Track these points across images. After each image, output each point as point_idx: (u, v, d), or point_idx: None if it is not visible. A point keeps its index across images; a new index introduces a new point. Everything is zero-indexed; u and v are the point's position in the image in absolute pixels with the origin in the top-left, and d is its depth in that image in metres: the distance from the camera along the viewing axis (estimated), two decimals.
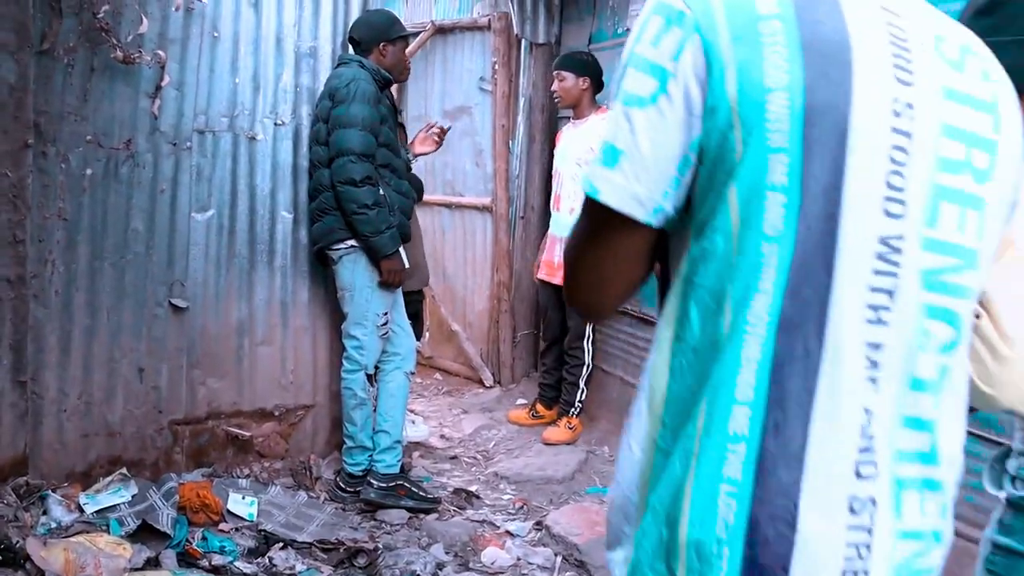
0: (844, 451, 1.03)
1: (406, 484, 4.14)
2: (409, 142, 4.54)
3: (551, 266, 5.15)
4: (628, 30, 5.01)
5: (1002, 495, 1.66)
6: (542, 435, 5.14)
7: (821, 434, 1.02)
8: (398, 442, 4.21)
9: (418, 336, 4.82)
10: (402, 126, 4.54)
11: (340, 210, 3.96)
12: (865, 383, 1.05)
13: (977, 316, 1.20)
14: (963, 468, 1.19)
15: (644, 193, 1.07)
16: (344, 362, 4.19)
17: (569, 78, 4.98)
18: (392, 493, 4.08)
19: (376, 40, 4.10)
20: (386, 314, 4.14)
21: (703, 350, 1.07)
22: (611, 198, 1.08)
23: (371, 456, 4.15)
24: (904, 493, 1.09)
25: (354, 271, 4.06)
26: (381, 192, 3.96)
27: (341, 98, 3.90)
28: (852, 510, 1.03)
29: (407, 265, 4.16)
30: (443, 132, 4.56)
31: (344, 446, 4.21)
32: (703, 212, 1.07)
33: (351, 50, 4.18)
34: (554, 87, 5.09)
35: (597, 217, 1.12)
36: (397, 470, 4.17)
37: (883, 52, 1.05)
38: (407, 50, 4.44)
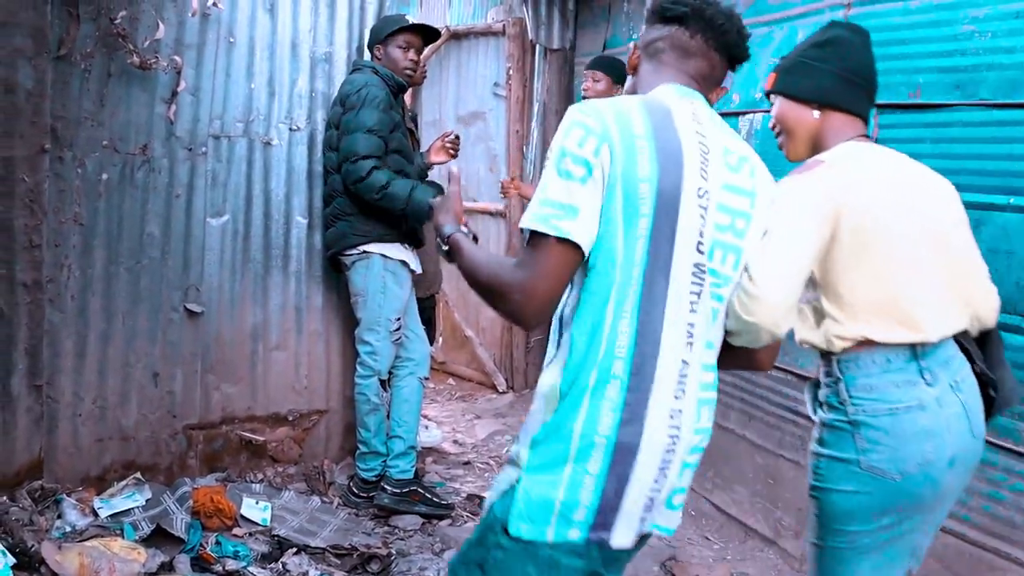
0: (670, 385, 1.77)
1: (420, 490, 4.13)
2: (425, 150, 4.52)
3: None
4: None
5: (816, 418, 2.18)
6: None
7: (660, 375, 1.75)
8: (412, 448, 4.20)
9: (431, 341, 4.81)
10: (412, 132, 4.51)
11: (362, 210, 3.95)
12: (685, 345, 1.79)
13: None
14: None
15: (591, 235, 1.72)
16: (358, 367, 4.16)
17: (605, 82, 4.69)
18: (406, 499, 4.08)
19: (372, 44, 4.14)
20: (399, 319, 4.11)
21: (597, 323, 1.75)
22: (581, 239, 1.70)
23: (384, 462, 4.14)
24: (701, 408, 1.84)
25: (366, 276, 4.04)
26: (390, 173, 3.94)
27: (351, 104, 3.89)
28: (671, 417, 1.77)
29: (419, 270, 4.16)
30: (457, 141, 4.53)
31: (358, 451, 4.20)
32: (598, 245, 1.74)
33: (367, 56, 4.19)
34: (586, 86, 4.74)
35: (560, 251, 1.70)
36: (411, 475, 4.16)
37: (695, 160, 1.77)
38: (423, 53, 4.38)
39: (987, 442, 2.90)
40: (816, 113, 2.19)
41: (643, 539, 1.88)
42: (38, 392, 3.62)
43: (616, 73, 4.73)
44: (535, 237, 1.71)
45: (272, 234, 4.17)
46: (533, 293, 1.72)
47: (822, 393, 2.15)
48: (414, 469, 4.23)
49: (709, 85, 1.95)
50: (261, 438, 4.24)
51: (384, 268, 4.04)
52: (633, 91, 1.98)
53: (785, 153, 2.29)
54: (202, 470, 4.10)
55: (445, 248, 2.02)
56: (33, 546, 3.16)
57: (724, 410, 4.23)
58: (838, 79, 2.19)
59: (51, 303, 3.63)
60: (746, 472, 4.06)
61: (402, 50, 4.09)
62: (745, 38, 1.96)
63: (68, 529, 3.41)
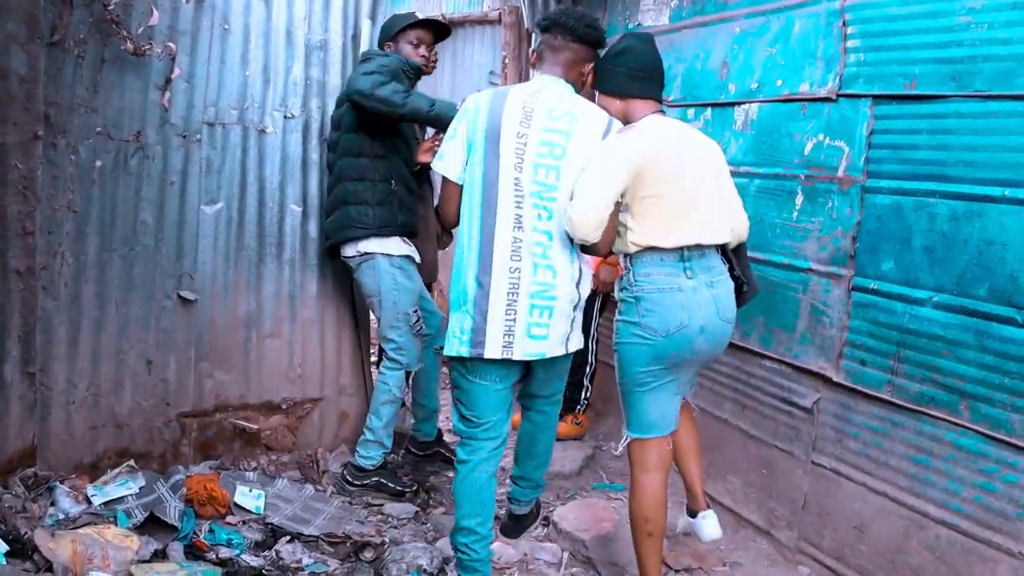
0: (506, 252, 2.96)
1: (442, 450, 4.44)
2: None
3: None
4: (640, 24, 5.00)
5: (617, 296, 3.17)
6: None
7: (497, 246, 2.97)
8: (435, 411, 4.47)
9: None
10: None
11: (366, 198, 3.98)
12: (515, 228, 2.97)
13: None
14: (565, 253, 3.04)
15: (456, 172, 3.11)
16: (384, 360, 4.22)
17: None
18: (430, 459, 4.43)
19: (382, 42, 4.16)
20: (416, 310, 4.15)
21: (465, 219, 3.07)
22: (449, 174, 3.12)
23: (385, 454, 4.19)
24: (536, 268, 2.96)
25: (376, 277, 4.05)
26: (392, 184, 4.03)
27: (361, 67, 3.92)
28: (510, 272, 2.96)
29: (419, 259, 4.16)
30: None
31: (361, 438, 4.19)
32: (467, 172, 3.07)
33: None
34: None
35: (446, 183, 3.13)
36: (434, 437, 4.52)
37: (515, 116, 3.00)
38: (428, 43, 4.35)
39: (979, 433, 2.93)
40: (618, 102, 3.21)
41: (532, 363, 3.18)
42: (31, 379, 3.61)
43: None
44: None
45: (266, 222, 4.16)
46: (440, 203, 3.25)
47: (622, 280, 3.14)
48: (437, 430, 4.55)
49: (578, 65, 3.16)
50: (255, 426, 4.24)
51: (390, 265, 4.05)
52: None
53: None
54: (195, 458, 4.10)
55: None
56: (26, 533, 3.15)
57: (717, 400, 4.24)
58: (629, 77, 3.18)
59: (44, 290, 3.62)
60: (739, 462, 4.07)
61: (413, 46, 4.11)
62: (592, 29, 3.14)
63: (61, 516, 3.41)
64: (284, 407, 4.32)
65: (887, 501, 3.31)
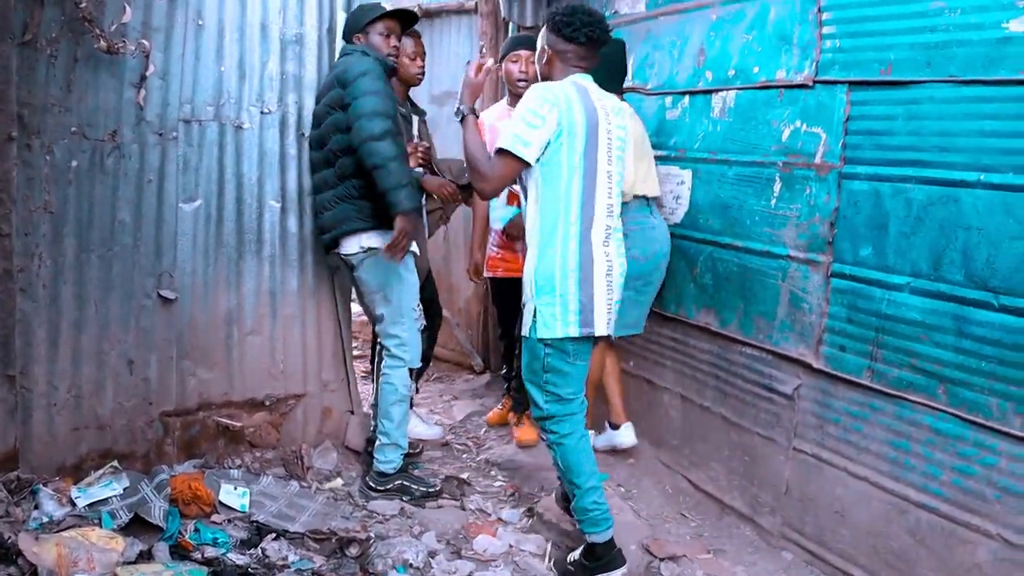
0: (600, 237, 3.33)
1: (405, 482, 4.18)
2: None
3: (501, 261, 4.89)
4: (617, 12, 4.99)
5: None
6: (515, 438, 4.95)
7: (595, 232, 3.32)
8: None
9: (439, 316, 5.08)
10: (405, 119, 4.50)
11: (371, 193, 3.87)
12: (607, 215, 3.36)
13: None
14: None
15: (536, 157, 3.26)
16: (386, 358, 4.14)
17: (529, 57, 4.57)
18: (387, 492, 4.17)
19: (350, 34, 4.10)
20: (419, 304, 4.16)
21: (557, 206, 3.28)
22: (530, 159, 3.24)
23: (403, 455, 4.18)
24: (619, 247, 3.44)
25: (379, 272, 4.01)
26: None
27: (351, 78, 3.83)
28: (606, 256, 3.34)
29: (419, 252, 4.16)
30: (428, 151, 4.52)
31: (376, 443, 4.17)
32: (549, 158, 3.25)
33: (340, 43, 4.21)
34: (523, 68, 4.56)
35: (512, 162, 3.26)
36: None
37: (602, 112, 3.33)
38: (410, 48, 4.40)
39: (958, 417, 2.95)
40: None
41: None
42: (11, 382, 3.59)
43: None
44: (500, 151, 3.26)
45: (245, 218, 4.14)
46: (491, 178, 3.31)
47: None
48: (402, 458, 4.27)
49: (591, 63, 3.42)
50: (238, 424, 4.22)
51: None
52: (547, 77, 3.46)
53: None
54: (179, 457, 4.09)
55: (458, 119, 3.48)
56: (10, 537, 3.14)
57: (699, 387, 4.25)
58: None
59: (22, 292, 3.59)
60: (722, 449, 4.09)
61: (383, 37, 4.07)
62: (597, 32, 3.34)
63: (45, 520, 3.39)
64: (267, 404, 4.31)
65: (868, 486, 3.34)
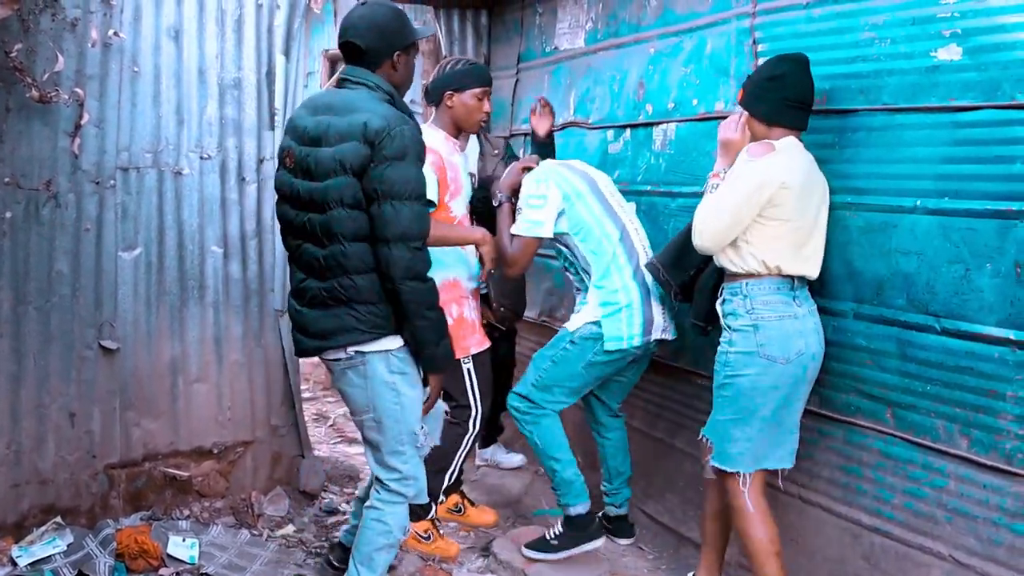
0: (641, 260, 3.74)
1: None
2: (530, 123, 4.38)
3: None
4: (556, 48, 5.02)
5: (725, 324, 3.18)
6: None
7: (643, 272, 3.71)
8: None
9: (510, 382, 4.64)
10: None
11: (397, 309, 2.91)
12: (640, 252, 3.75)
13: None
14: None
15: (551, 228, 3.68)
16: (380, 491, 3.11)
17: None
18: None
19: (391, 50, 2.98)
20: (423, 426, 3.13)
21: (603, 255, 3.68)
22: (546, 234, 3.67)
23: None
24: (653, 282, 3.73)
25: (371, 387, 2.99)
26: None
27: (391, 151, 2.77)
28: (646, 275, 3.70)
29: None
30: (548, 103, 4.39)
31: None
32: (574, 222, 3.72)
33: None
34: (487, 108, 3.90)
35: (533, 242, 3.67)
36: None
37: (587, 170, 3.89)
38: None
39: (906, 440, 2.97)
40: (764, 127, 3.11)
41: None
42: None
43: None
44: (517, 236, 3.65)
45: (187, 265, 4.08)
46: (518, 261, 3.69)
47: (728, 306, 3.15)
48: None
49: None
50: (186, 473, 4.14)
51: (389, 371, 2.98)
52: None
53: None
54: (126, 510, 4.00)
55: (496, 205, 3.75)
56: None
57: (652, 420, 4.25)
58: (784, 105, 3.08)
59: None
60: (677, 481, 4.08)
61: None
62: None
63: None
64: (215, 452, 4.23)
65: (821, 512, 3.34)
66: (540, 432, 3.72)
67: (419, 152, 2.86)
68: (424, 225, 2.87)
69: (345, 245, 2.84)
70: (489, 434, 5.02)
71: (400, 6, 3.21)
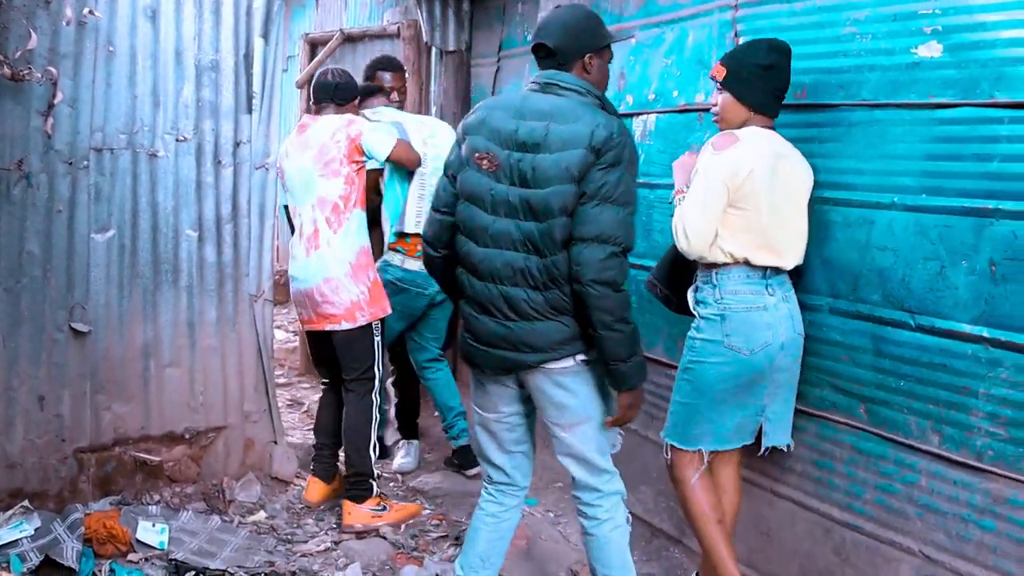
0: None
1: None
2: None
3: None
4: None
5: (695, 311, 3.17)
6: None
7: None
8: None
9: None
10: None
11: (581, 316, 2.78)
12: None
13: None
14: None
15: None
16: (598, 503, 3.05)
17: None
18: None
19: (582, 51, 2.89)
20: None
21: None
22: None
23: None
24: None
25: (591, 394, 2.93)
26: None
27: (613, 159, 2.73)
28: None
29: None
30: None
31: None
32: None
33: (536, 62, 3.01)
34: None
35: None
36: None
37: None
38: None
39: (879, 435, 2.98)
40: (745, 113, 3.11)
41: None
42: None
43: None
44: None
45: (160, 248, 4.04)
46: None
47: (699, 294, 3.17)
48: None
49: None
50: (156, 458, 4.11)
51: (595, 373, 2.92)
52: None
53: (718, 126, 3.21)
54: (95, 494, 3.96)
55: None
56: None
57: None
58: (772, 96, 3.11)
59: None
60: (650, 472, 4.08)
61: (608, 66, 3.04)
62: None
63: None
64: (187, 437, 4.20)
65: (793, 505, 3.35)
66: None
67: (634, 159, 2.82)
68: (628, 233, 2.75)
69: (559, 255, 2.75)
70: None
71: None
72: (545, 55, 2.91)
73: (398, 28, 5.87)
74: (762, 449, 3.25)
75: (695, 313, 3.18)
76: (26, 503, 3.71)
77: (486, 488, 3.17)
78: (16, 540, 3.47)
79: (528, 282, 2.79)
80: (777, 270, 3.09)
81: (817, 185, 3.18)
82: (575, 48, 2.88)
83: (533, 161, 2.76)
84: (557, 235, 2.73)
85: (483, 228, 2.84)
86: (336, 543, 3.92)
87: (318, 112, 4.18)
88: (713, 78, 3.17)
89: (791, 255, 3.11)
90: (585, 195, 2.71)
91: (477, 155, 2.86)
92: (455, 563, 3.21)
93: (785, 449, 3.29)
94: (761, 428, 3.21)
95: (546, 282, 2.77)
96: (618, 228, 2.72)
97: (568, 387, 2.88)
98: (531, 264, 2.78)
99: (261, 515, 4.16)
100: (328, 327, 4.06)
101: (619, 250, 2.72)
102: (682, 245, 3.03)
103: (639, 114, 4.15)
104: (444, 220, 2.95)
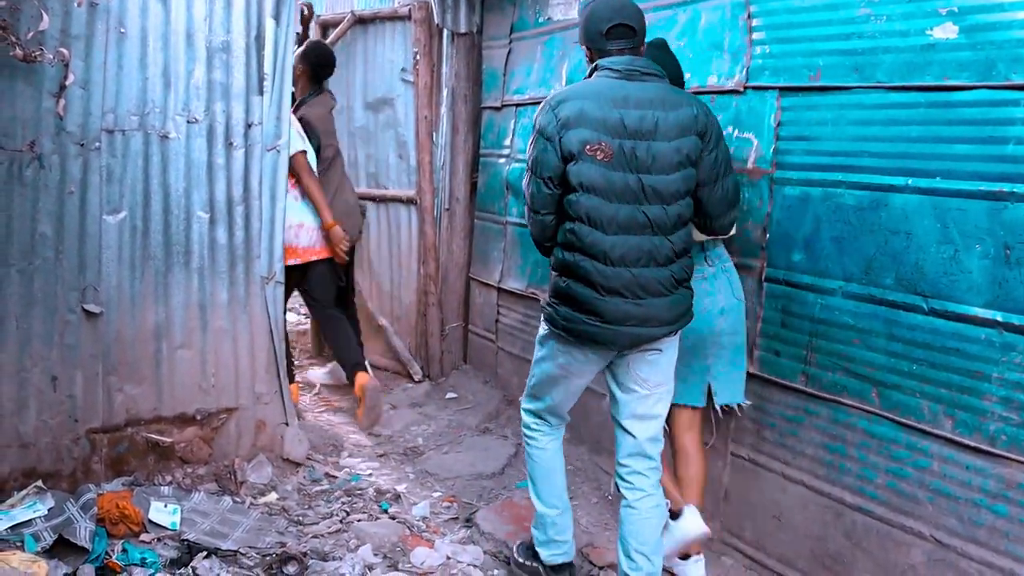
0: None
1: None
2: None
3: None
4: (549, 19, 4.98)
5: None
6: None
7: None
8: None
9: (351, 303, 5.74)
10: None
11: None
12: None
13: None
14: None
15: None
16: (647, 473, 3.22)
17: None
18: None
19: (645, 35, 3.15)
20: None
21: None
22: None
23: None
24: None
25: (672, 359, 3.24)
26: None
27: (715, 138, 3.04)
28: None
29: None
30: None
31: None
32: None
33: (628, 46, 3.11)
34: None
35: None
36: None
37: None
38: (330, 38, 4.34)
39: (891, 420, 2.97)
40: None
41: None
42: None
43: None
44: None
45: (172, 230, 4.04)
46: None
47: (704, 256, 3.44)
48: None
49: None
50: (168, 439, 4.12)
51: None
52: None
53: None
54: (107, 475, 3.97)
55: None
56: None
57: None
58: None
59: None
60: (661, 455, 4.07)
61: None
62: None
63: None
64: (198, 418, 4.21)
65: (804, 490, 3.35)
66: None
67: (721, 130, 3.09)
68: (736, 189, 3.18)
69: (682, 230, 3.05)
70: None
71: None
72: (620, 37, 3.05)
73: (409, 10, 5.84)
74: (716, 407, 3.55)
75: None
76: (39, 483, 3.74)
77: (547, 430, 3.48)
78: (30, 520, 3.49)
79: (656, 261, 3.01)
80: (714, 242, 3.40)
81: (831, 168, 3.17)
82: (644, 32, 3.10)
83: (649, 148, 2.94)
84: (684, 215, 3.03)
85: (610, 217, 2.97)
86: (347, 524, 3.94)
87: None
88: None
89: (705, 227, 3.21)
90: (711, 177, 3.03)
91: (590, 147, 2.95)
92: (539, 504, 3.48)
93: (737, 409, 3.57)
94: (712, 390, 3.50)
95: (671, 257, 3.03)
96: (735, 192, 3.14)
97: (664, 349, 3.14)
98: (657, 244, 3.00)
99: (272, 496, 4.18)
100: None
101: (737, 202, 3.17)
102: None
103: None
104: (546, 220, 3.13)
